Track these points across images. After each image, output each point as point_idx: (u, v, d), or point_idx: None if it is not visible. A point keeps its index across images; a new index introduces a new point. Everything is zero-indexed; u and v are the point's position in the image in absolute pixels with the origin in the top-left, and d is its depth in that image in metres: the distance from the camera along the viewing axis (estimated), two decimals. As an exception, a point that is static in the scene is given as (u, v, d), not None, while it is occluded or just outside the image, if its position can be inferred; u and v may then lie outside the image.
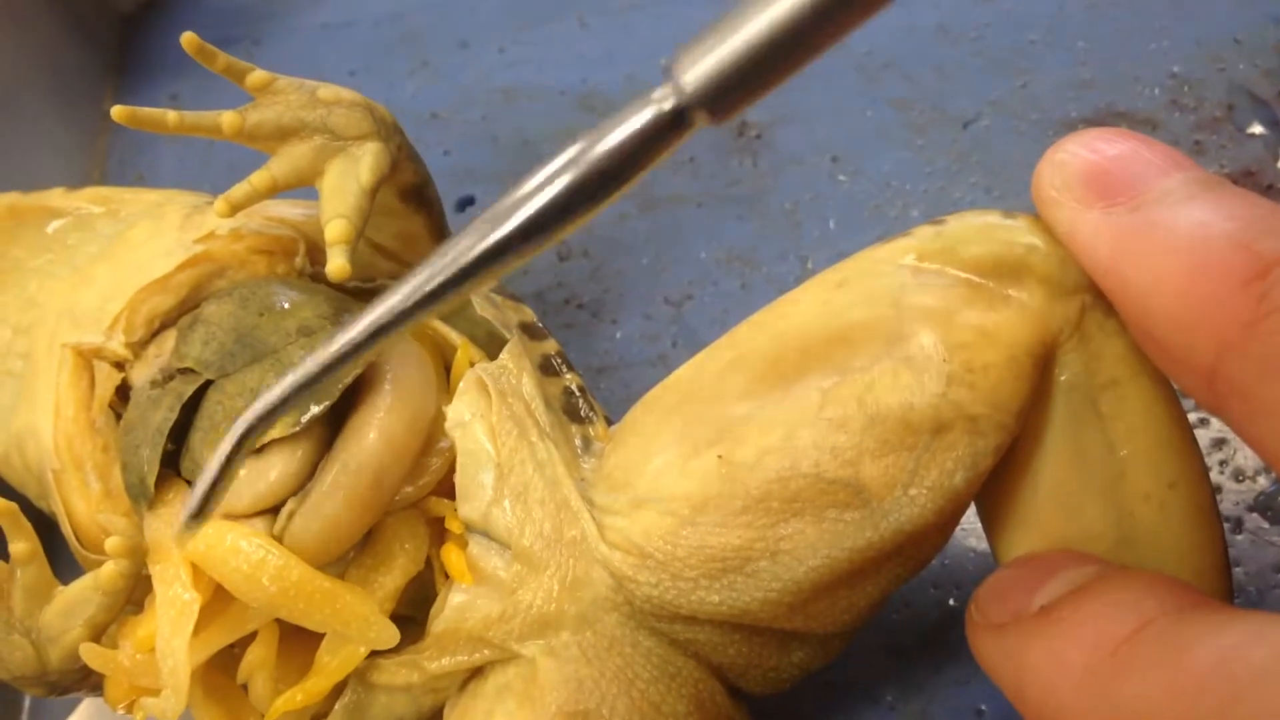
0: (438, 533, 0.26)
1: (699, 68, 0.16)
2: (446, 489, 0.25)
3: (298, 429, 0.24)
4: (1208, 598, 0.19)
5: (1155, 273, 0.19)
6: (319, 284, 0.28)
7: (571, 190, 0.17)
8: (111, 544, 0.24)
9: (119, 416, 0.27)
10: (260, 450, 0.24)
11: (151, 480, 0.24)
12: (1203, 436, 0.30)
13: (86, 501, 0.26)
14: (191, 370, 0.25)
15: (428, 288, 0.18)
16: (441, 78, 0.43)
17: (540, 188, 0.17)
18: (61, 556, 0.26)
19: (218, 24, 0.46)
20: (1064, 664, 0.19)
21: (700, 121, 0.17)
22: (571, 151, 0.17)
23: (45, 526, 0.26)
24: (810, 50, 0.16)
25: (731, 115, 0.17)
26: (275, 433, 0.23)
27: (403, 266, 0.30)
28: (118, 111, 0.25)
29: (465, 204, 0.39)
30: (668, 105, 0.17)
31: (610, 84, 0.41)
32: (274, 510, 0.24)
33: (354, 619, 0.23)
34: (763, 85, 0.16)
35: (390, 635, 0.23)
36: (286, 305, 0.26)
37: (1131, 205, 0.20)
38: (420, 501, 0.25)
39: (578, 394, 0.27)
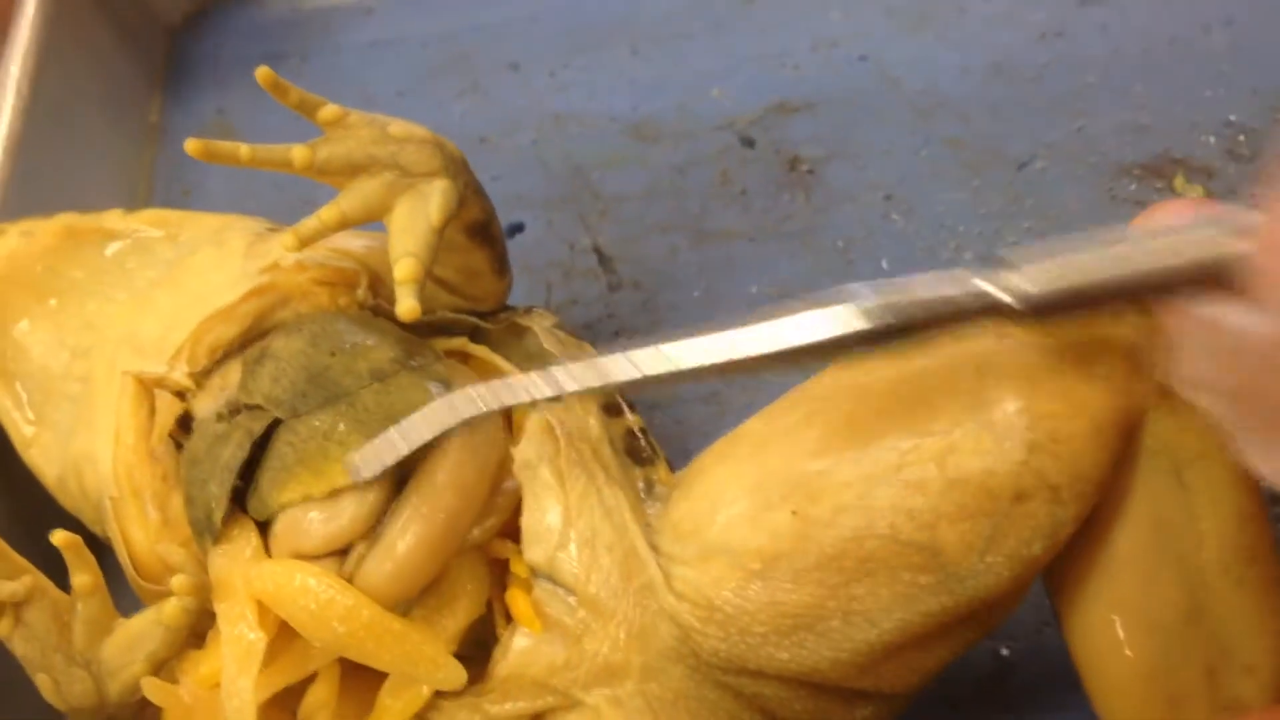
0: (499, 575, 0.26)
1: (1044, 276, 0.18)
2: (509, 531, 0.25)
3: (369, 472, 0.23)
4: None
5: None
6: (380, 317, 0.28)
7: (867, 328, 0.19)
8: (178, 582, 0.24)
9: (178, 445, 0.27)
10: (333, 494, 0.23)
11: (219, 517, 0.24)
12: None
13: (145, 531, 0.26)
14: (259, 407, 0.25)
15: (662, 369, 0.20)
16: (491, 101, 0.42)
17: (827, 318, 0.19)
18: (115, 579, 0.26)
19: (265, 39, 0.46)
20: None
21: (1007, 314, 0.18)
22: (868, 296, 0.19)
23: (99, 549, 0.26)
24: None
25: (1044, 320, 0.19)
26: (345, 479, 0.23)
27: (463, 300, 0.30)
28: (192, 146, 0.25)
29: (514, 230, 0.38)
30: (993, 290, 0.18)
31: (662, 112, 0.41)
32: (342, 553, 0.24)
33: (423, 660, 0.23)
34: (1088, 305, 0.18)
35: (458, 676, 0.23)
36: (358, 346, 0.25)
37: None
38: (484, 543, 0.25)
39: (640, 435, 0.27)
